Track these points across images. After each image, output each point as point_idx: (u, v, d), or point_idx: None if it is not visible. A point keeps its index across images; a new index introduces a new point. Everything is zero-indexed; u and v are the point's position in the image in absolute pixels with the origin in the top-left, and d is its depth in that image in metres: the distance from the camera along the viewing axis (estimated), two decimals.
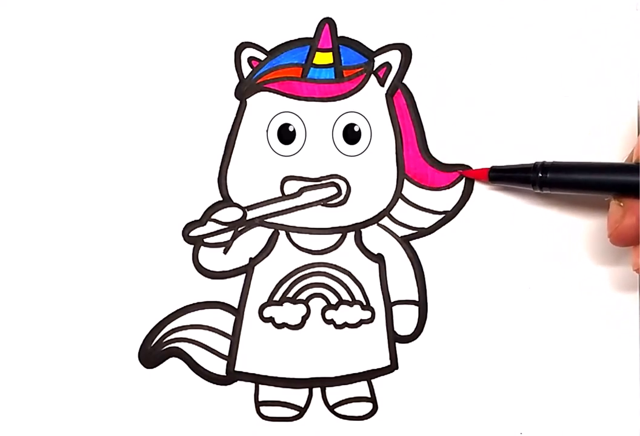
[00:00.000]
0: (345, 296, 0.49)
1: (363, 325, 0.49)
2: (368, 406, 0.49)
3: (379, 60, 0.50)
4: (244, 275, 0.50)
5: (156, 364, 0.49)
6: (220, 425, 0.49)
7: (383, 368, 0.49)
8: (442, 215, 0.50)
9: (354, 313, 0.49)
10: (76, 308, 0.49)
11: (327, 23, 0.50)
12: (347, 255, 0.50)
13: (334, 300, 0.49)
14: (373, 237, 0.50)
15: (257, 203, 0.50)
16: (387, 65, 0.50)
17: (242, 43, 0.50)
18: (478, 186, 0.50)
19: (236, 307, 0.49)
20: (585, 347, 0.49)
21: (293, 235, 0.50)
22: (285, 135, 0.50)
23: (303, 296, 0.49)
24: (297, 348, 0.49)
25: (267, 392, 0.49)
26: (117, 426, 0.49)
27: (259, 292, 0.50)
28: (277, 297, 0.49)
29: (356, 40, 0.50)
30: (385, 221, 0.50)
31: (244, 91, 0.50)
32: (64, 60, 0.50)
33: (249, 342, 0.49)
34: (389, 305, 0.50)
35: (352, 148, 0.50)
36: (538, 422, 0.49)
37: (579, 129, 0.50)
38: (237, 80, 0.50)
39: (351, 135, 0.50)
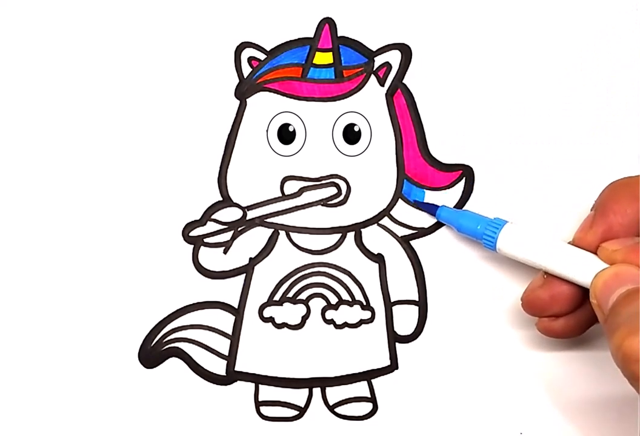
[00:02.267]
0: (345, 296, 0.49)
1: (363, 325, 0.49)
2: (368, 406, 0.49)
3: (379, 60, 0.50)
4: (244, 275, 0.50)
5: (156, 364, 0.49)
6: (220, 425, 0.49)
7: (383, 368, 0.49)
8: None
9: (354, 313, 0.49)
10: (76, 308, 0.49)
11: (327, 23, 0.50)
12: (347, 255, 0.50)
13: (334, 300, 0.49)
14: (373, 237, 0.50)
15: (257, 203, 0.50)
16: (387, 65, 0.50)
17: (242, 43, 0.50)
18: (478, 186, 0.50)
19: (236, 307, 0.49)
20: (586, 347, 0.49)
21: (293, 235, 0.50)
22: (286, 135, 0.50)
23: (303, 296, 0.49)
24: (297, 348, 0.49)
25: (267, 392, 0.49)
26: (117, 426, 0.49)
27: (259, 292, 0.50)
28: (277, 297, 0.49)
29: (356, 40, 0.50)
30: (385, 221, 0.50)
31: (244, 91, 0.50)
32: (64, 60, 0.50)
33: (249, 342, 0.49)
34: (389, 305, 0.50)
35: (352, 148, 0.50)
36: (538, 422, 0.49)
37: (579, 129, 0.50)
38: (237, 80, 0.50)
39: (351, 135, 0.50)
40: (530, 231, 0.46)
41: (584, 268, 0.43)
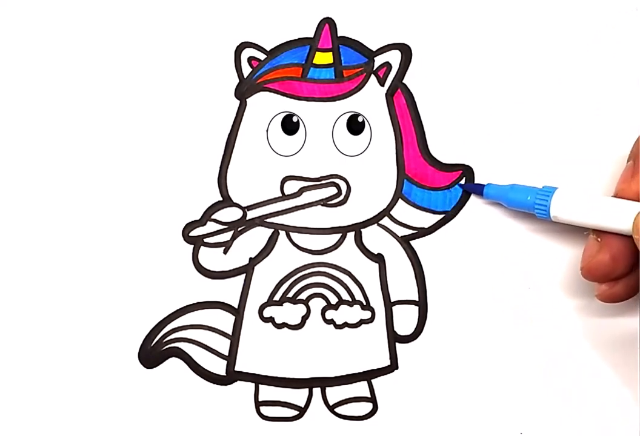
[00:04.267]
0: (345, 296, 0.49)
1: (363, 325, 0.49)
2: (368, 406, 0.49)
3: (379, 60, 0.50)
4: (244, 275, 0.50)
5: (156, 364, 0.49)
6: (220, 425, 0.49)
7: (383, 368, 0.49)
8: (442, 215, 0.50)
9: (354, 313, 0.49)
10: (76, 308, 0.49)
11: (327, 23, 0.50)
12: (347, 255, 0.50)
13: (334, 300, 0.49)
14: (373, 237, 0.50)
15: (257, 203, 0.50)
16: (387, 65, 0.50)
17: (242, 43, 0.50)
18: None
19: (236, 307, 0.49)
20: (586, 347, 0.49)
21: (293, 235, 0.50)
22: (289, 125, 0.50)
23: (303, 296, 0.49)
24: (297, 348, 0.49)
25: (267, 392, 0.49)
26: (117, 426, 0.49)
27: (259, 292, 0.50)
28: (277, 297, 0.49)
29: (356, 40, 0.50)
30: (385, 221, 0.50)
31: (244, 91, 0.50)
32: (64, 60, 0.50)
33: (249, 342, 0.49)
34: (389, 305, 0.50)
35: (352, 147, 0.50)
36: (538, 422, 0.49)
37: (579, 129, 0.50)
38: (237, 80, 0.50)
39: (355, 125, 0.50)
40: (582, 194, 0.46)
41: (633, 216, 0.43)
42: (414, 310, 0.50)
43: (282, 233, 0.50)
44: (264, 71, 0.50)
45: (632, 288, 0.46)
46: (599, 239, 0.45)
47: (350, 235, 0.50)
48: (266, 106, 0.50)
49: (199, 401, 0.49)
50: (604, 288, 0.46)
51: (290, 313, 0.49)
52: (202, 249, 0.50)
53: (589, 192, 0.47)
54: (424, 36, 0.50)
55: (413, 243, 0.50)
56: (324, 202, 0.50)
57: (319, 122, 0.50)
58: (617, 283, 0.45)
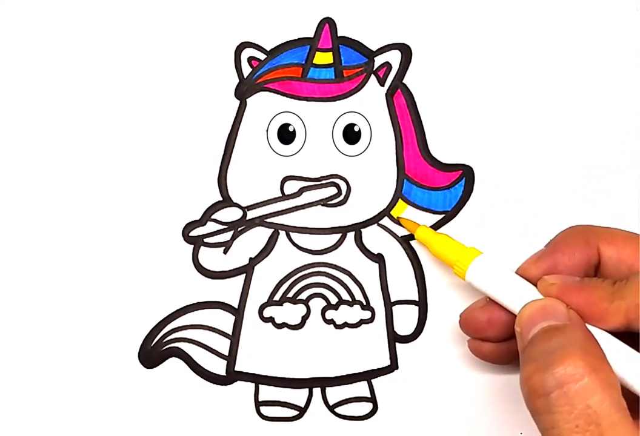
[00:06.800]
0: (345, 296, 0.49)
1: (363, 325, 0.49)
2: (368, 406, 0.49)
3: (379, 60, 0.50)
4: (244, 275, 0.50)
5: (156, 364, 0.49)
6: (220, 425, 0.49)
7: (383, 368, 0.49)
8: (442, 215, 0.50)
9: (354, 313, 0.49)
10: (76, 308, 0.49)
11: (327, 23, 0.50)
12: (347, 255, 0.50)
13: (334, 300, 0.49)
14: (373, 237, 0.50)
15: (257, 203, 0.50)
16: (387, 65, 0.50)
17: (242, 43, 0.50)
18: (478, 186, 0.50)
19: (236, 307, 0.50)
20: None
21: (293, 235, 0.50)
22: (286, 135, 0.50)
23: (303, 296, 0.49)
24: (297, 348, 0.49)
25: (267, 392, 0.49)
26: (117, 426, 0.49)
27: (259, 292, 0.50)
28: (277, 297, 0.49)
29: (356, 40, 0.50)
30: (385, 221, 0.50)
31: (244, 91, 0.50)
32: (64, 60, 0.50)
33: (249, 342, 0.49)
34: (389, 305, 0.50)
35: (352, 148, 0.50)
36: None
37: (578, 129, 0.50)
38: (237, 80, 0.50)
39: (351, 135, 0.50)
40: (494, 267, 0.45)
41: (520, 298, 0.43)
42: (414, 310, 0.50)
43: (282, 233, 0.50)
44: (264, 71, 0.50)
45: (501, 355, 0.46)
46: (488, 299, 0.45)
47: (350, 235, 0.50)
48: (266, 106, 0.50)
49: (199, 401, 0.49)
50: (475, 340, 0.46)
51: (290, 313, 0.49)
52: (202, 249, 0.50)
53: (502, 266, 0.45)
54: (424, 36, 0.50)
55: (413, 243, 0.50)
56: (324, 202, 0.50)
57: (319, 122, 0.50)
58: (486, 343, 0.46)
